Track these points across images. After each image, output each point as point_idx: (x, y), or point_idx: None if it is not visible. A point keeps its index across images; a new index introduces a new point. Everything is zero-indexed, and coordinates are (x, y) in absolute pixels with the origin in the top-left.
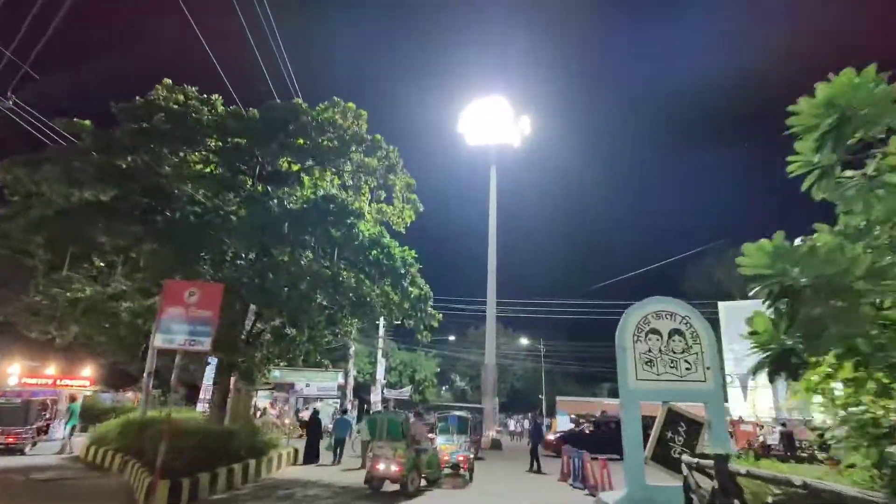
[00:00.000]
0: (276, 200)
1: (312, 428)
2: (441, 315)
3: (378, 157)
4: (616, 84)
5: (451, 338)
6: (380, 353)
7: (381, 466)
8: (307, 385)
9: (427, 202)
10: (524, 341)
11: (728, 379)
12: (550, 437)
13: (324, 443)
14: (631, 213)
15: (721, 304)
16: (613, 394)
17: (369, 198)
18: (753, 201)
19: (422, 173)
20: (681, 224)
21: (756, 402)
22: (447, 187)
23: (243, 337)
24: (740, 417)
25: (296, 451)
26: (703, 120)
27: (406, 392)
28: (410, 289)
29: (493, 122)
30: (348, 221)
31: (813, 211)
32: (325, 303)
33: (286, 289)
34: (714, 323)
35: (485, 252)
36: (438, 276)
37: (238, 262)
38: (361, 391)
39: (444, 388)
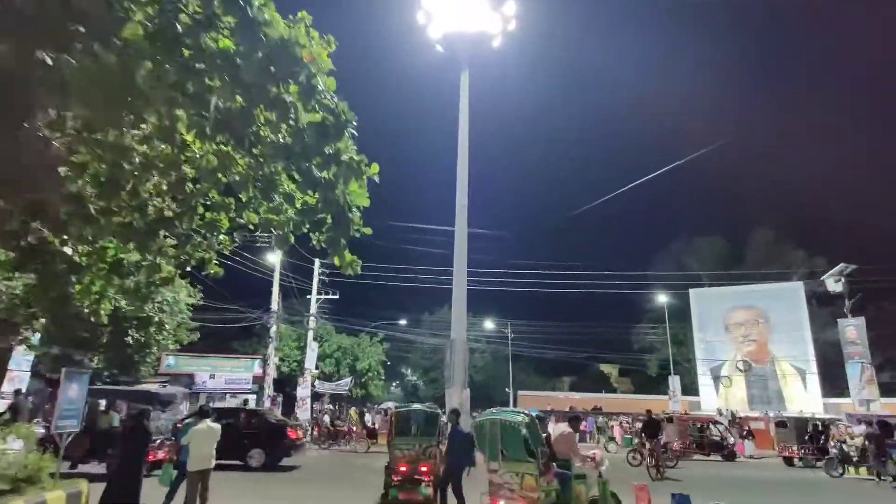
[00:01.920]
0: None
1: (131, 444)
2: (376, 169)
3: None
4: None
5: (402, 322)
6: (310, 335)
7: None
8: (211, 376)
9: (371, 121)
10: (489, 325)
11: (700, 370)
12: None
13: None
14: (636, 129)
15: (692, 291)
16: (575, 387)
17: None
18: (757, 101)
19: (363, 81)
20: (687, 133)
21: (729, 396)
22: (400, 98)
23: None
24: (720, 412)
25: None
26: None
27: (345, 385)
28: (303, 114)
29: (465, 9)
30: None
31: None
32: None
33: None
34: (685, 310)
35: (451, 190)
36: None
37: None
38: (286, 384)
39: (394, 384)
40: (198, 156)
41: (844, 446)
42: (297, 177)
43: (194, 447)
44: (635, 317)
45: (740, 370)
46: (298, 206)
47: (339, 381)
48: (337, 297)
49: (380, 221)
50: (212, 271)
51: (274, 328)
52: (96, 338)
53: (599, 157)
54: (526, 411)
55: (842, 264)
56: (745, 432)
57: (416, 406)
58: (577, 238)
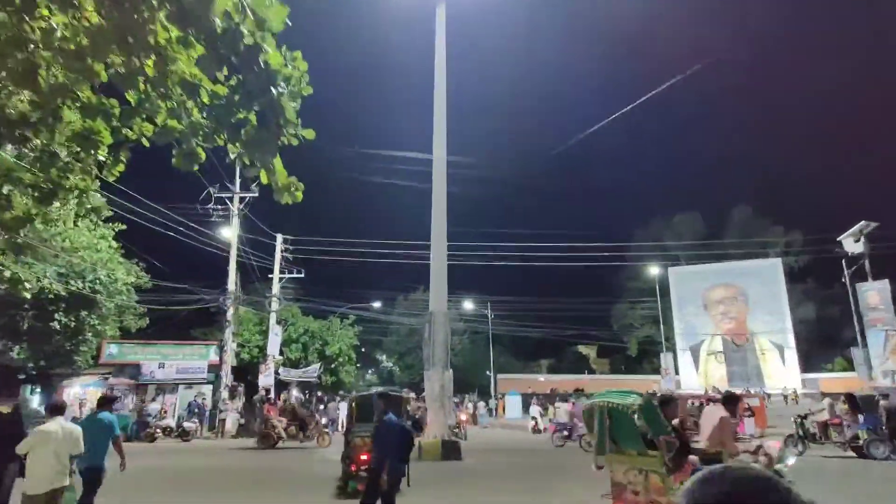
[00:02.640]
0: None
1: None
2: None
3: None
4: None
5: (377, 304)
6: (273, 318)
7: None
8: (161, 366)
9: (336, 64)
10: (468, 305)
11: (679, 348)
12: None
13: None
14: (624, 74)
15: (671, 270)
16: (553, 370)
17: None
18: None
19: (326, 17)
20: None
21: (709, 373)
22: (371, 34)
23: None
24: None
25: None
26: None
27: (313, 371)
28: None
29: None
30: None
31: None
32: None
33: None
34: (664, 289)
35: (427, 143)
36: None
37: None
38: (248, 372)
39: (370, 371)
40: (57, 33)
41: (806, 422)
42: (197, 45)
43: (35, 458)
44: (613, 296)
45: (736, 344)
46: (206, 100)
47: (307, 368)
48: (302, 275)
49: (352, 172)
50: (90, 205)
51: (231, 311)
52: (16, 323)
53: (585, 102)
54: (640, 392)
55: (862, 222)
56: (746, 410)
57: (378, 390)
58: (554, 214)
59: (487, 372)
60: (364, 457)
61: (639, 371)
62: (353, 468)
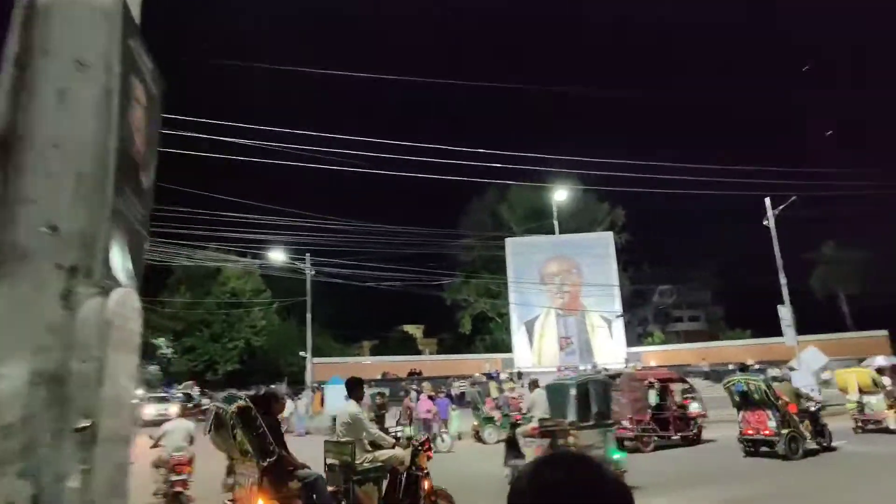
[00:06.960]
0: None
1: None
2: None
3: None
4: None
5: None
6: None
7: None
8: None
9: None
10: (277, 256)
11: (514, 324)
12: None
13: None
14: None
15: (508, 240)
16: (377, 353)
17: None
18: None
19: None
20: None
21: (542, 350)
22: None
23: None
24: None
25: None
26: None
27: None
28: None
29: None
30: None
31: None
32: None
33: None
34: (500, 262)
35: None
36: None
37: None
38: None
39: (145, 362)
40: None
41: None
42: None
43: None
44: (448, 269)
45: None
46: None
47: None
48: None
49: None
50: None
51: None
52: None
53: None
54: None
55: None
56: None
57: None
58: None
59: (302, 353)
60: None
61: (471, 350)
62: None
